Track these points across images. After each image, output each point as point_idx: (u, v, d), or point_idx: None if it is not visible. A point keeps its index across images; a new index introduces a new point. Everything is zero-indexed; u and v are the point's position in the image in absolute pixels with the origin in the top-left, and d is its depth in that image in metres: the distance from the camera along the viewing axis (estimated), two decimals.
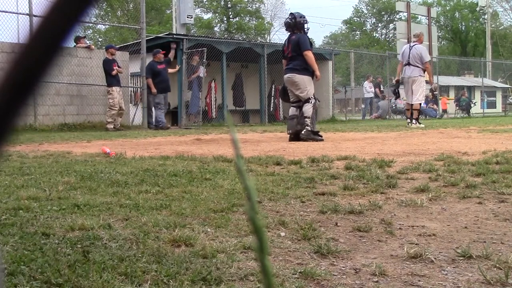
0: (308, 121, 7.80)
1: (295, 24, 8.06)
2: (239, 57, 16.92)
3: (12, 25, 12.23)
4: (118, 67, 12.91)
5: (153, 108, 14.13)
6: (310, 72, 7.98)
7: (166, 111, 14.55)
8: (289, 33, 8.21)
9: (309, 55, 7.90)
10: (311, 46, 8.11)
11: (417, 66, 11.86)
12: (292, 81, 7.98)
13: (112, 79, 12.79)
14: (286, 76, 8.11)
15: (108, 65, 12.75)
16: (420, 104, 12.03)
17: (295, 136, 7.83)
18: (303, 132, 7.77)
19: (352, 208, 2.72)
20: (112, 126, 12.63)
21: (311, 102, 7.91)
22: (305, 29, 8.14)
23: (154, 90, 13.64)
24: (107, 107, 12.91)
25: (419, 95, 11.92)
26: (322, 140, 7.68)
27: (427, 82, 12.61)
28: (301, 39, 7.95)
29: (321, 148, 6.44)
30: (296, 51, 7.93)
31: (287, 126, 8.24)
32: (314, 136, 7.78)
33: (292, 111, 8.08)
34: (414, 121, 11.98)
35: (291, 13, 8.26)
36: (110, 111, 12.82)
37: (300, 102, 7.99)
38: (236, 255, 1.92)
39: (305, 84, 7.90)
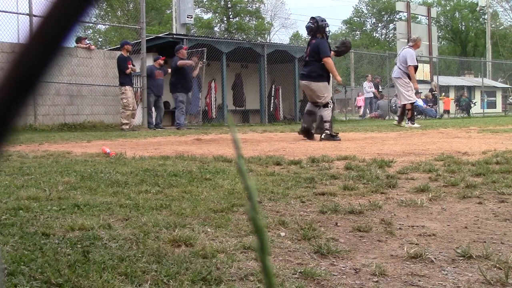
0: (327, 125, 7.96)
1: (318, 28, 8.11)
2: (239, 57, 16.92)
3: (12, 25, 12.24)
4: (132, 65, 12.68)
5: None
6: (326, 78, 8.10)
7: (185, 111, 14.24)
8: (310, 37, 8.30)
9: (329, 62, 7.99)
10: (331, 51, 8.18)
11: (400, 68, 12.00)
12: (309, 88, 8.14)
13: (125, 78, 12.49)
14: (302, 82, 8.28)
15: (123, 62, 12.44)
16: (413, 103, 12.02)
17: (306, 132, 7.99)
18: (323, 136, 7.93)
19: (352, 208, 2.72)
20: (127, 127, 12.33)
21: (329, 107, 8.05)
22: (327, 33, 8.23)
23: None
24: (121, 107, 12.66)
25: (406, 95, 11.93)
26: (339, 140, 7.76)
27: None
28: (321, 45, 8.02)
29: (321, 148, 6.44)
30: (314, 56, 8.02)
31: (303, 120, 8.38)
32: (333, 138, 7.88)
33: (309, 106, 8.23)
34: (407, 121, 12.09)
35: (312, 17, 8.29)
36: (124, 112, 12.53)
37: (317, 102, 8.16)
38: (236, 255, 1.92)
39: (322, 91, 8.04)
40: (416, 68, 12.12)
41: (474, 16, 54.02)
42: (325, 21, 8.24)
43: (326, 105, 8.01)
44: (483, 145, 6.31)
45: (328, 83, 8.20)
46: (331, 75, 8.28)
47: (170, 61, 14.00)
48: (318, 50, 7.98)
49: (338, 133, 8.19)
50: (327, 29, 8.23)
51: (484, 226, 2.41)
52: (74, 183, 3.53)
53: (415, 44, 12.27)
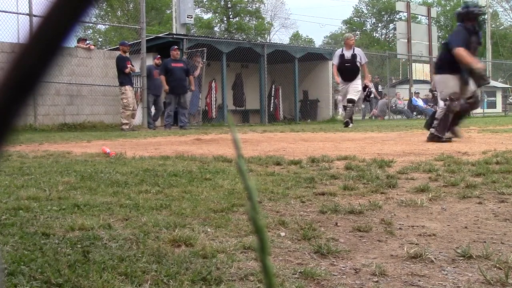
0: (436, 122, 7.03)
1: (466, 14, 7.01)
2: (239, 57, 16.92)
3: (12, 25, 12.24)
4: (131, 65, 12.66)
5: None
6: (451, 69, 6.93)
7: (186, 112, 14.00)
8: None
9: (458, 53, 6.71)
10: (479, 38, 7.04)
11: None
12: (435, 80, 7.36)
13: (124, 78, 12.45)
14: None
15: (121, 62, 12.42)
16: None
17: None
18: (429, 134, 7.13)
19: (352, 208, 2.72)
20: (127, 127, 12.29)
21: (446, 105, 7.00)
22: (479, 21, 7.11)
23: (166, 87, 13.23)
24: (121, 107, 12.59)
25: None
26: (445, 141, 6.91)
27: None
28: (454, 32, 7.18)
29: (321, 148, 6.44)
30: (447, 44, 7.12)
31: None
32: (438, 139, 6.97)
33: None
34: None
35: (465, 2, 7.50)
36: (124, 112, 12.47)
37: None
38: (236, 255, 1.92)
39: (438, 85, 7.29)
40: (338, 66, 11.43)
41: None
42: (479, 8, 7.35)
43: (445, 101, 7.00)
44: (483, 145, 6.31)
45: (453, 75, 6.89)
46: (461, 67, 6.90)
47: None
48: (450, 37, 7.11)
49: (450, 138, 7.08)
50: (480, 17, 7.12)
51: (484, 226, 2.41)
52: (74, 183, 3.53)
53: (345, 43, 11.85)
